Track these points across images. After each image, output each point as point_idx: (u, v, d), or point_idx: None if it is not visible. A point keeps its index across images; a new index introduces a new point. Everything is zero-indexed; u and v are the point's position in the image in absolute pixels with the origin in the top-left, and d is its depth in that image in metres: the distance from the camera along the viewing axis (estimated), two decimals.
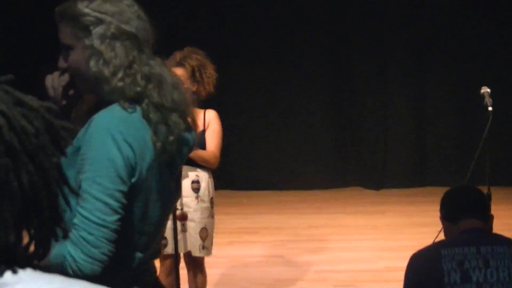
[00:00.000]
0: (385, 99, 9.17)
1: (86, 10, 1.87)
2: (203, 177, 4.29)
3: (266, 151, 9.25)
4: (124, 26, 1.87)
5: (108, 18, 1.86)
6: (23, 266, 0.96)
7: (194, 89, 4.18)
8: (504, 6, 8.61)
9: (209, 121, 4.27)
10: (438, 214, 2.95)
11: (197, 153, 4.13)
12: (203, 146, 4.22)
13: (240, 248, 6.51)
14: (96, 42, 1.86)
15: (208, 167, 4.29)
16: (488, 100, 4.43)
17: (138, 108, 1.86)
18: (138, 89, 1.85)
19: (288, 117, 9.22)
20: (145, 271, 2.00)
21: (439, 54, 9.00)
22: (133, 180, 1.84)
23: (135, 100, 1.85)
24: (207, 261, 4.71)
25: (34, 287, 0.94)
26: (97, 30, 1.86)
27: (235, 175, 9.14)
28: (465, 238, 2.74)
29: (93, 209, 1.79)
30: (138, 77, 1.86)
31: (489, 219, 2.86)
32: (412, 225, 7.15)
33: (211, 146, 4.23)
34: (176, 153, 1.93)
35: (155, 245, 2.03)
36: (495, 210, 2.94)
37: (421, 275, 2.72)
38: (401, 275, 2.85)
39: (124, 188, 1.82)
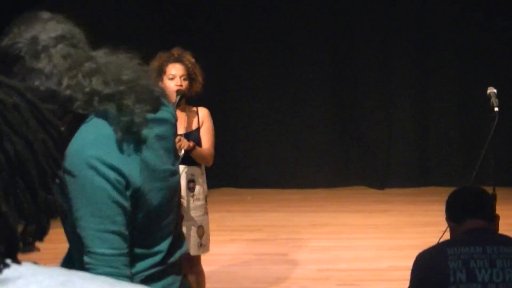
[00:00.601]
0: (389, 98, 9.16)
1: (9, 42, 1.83)
2: (198, 175, 4.34)
3: (269, 149, 9.25)
4: (49, 35, 1.83)
5: (30, 35, 1.82)
6: (24, 250, 0.96)
7: (189, 87, 4.23)
8: (509, 6, 8.59)
9: (203, 119, 4.32)
10: (441, 213, 2.95)
11: (198, 151, 4.17)
12: (198, 143, 4.25)
13: (242, 245, 6.51)
14: (33, 63, 1.81)
15: (205, 164, 4.34)
16: (494, 100, 4.42)
17: (92, 114, 1.80)
18: (86, 89, 1.80)
19: (291, 116, 9.22)
20: (173, 265, 1.98)
21: (443, 54, 8.98)
22: (128, 193, 1.80)
23: (87, 101, 1.80)
24: (209, 258, 4.71)
25: (36, 282, 0.93)
26: (28, 52, 1.81)
27: (238, 173, 9.16)
28: (471, 238, 2.74)
29: (104, 242, 1.77)
30: (80, 77, 1.81)
31: (494, 219, 2.86)
32: (414, 225, 7.15)
33: (206, 144, 4.29)
34: (151, 137, 1.86)
35: (175, 234, 2.00)
36: (499, 210, 2.93)
37: (427, 274, 2.72)
38: (403, 275, 2.85)
39: (122, 210, 1.79)
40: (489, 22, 8.71)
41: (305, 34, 9.05)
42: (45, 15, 1.88)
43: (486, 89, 4.54)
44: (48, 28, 1.84)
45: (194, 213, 4.29)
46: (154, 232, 1.92)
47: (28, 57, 1.81)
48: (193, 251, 4.30)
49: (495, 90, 4.48)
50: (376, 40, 9.03)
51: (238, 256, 6.14)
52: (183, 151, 4.10)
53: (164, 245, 1.93)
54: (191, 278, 4.43)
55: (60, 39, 1.83)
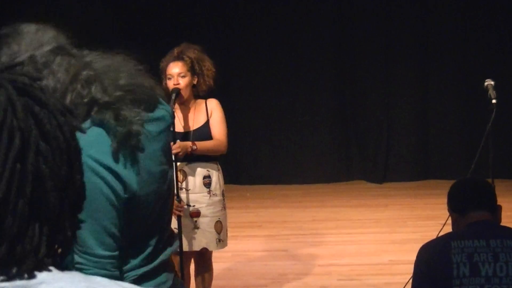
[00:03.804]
0: (388, 92, 9.16)
1: (10, 62, 1.72)
2: (213, 171, 4.32)
3: (269, 145, 9.25)
4: (45, 49, 1.79)
5: (27, 55, 1.77)
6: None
7: (195, 82, 4.23)
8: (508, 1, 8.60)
9: (211, 111, 4.30)
10: (441, 206, 2.95)
11: (201, 148, 4.14)
12: (208, 136, 4.23)
13: (243, 242, 6.51)
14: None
15: (217, 154, 4.31)
16: (492, 92, 4.41)
17: (88, 121, 1.78)
18: (85, 99, 1.78)
19: (291, 112, 9.21)
20: (165, 262, 1.98)
21: (442, 48, 8.97)
22: (125, 196, 1.79)
23: (87, 111, 1.78)
24: None
25: (58, 287, 0.94)
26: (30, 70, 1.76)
27: (239, 169, 9.16)
28: (474, 231, 2.73)
29: (99, 243, 1.76)
30: (79, 88, 1.78)
31: (496, 209, 2.85)
32: (415, 218, 7.15)
33: (216, 134, 4.26)
34: (149, 139, 1.85)
35: (166, 231, 2.00)
36: (498, 202, 2.93)
37: (430, 267, 2.71)
38: (404, 268, 2.86)
39: (116, 213, 1.78)
40: (490, 15, 8.72)
41: (307, 32, 9.04)
42: (30, 27, 1.82)
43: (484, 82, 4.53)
44: (41, 42, 1.79)
45: (211, 209, 4.28)
46: (145, 232, 1.92)
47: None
48: (212, 247, 4.32)
49: (492, 82, 4.46)
50: (377, 35, 9.02)
51: (240, 253, 6.14)
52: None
53: (153, 243, 1.93)
54: (201, 273, 4.45)
55: (56, 51, 1.80)
